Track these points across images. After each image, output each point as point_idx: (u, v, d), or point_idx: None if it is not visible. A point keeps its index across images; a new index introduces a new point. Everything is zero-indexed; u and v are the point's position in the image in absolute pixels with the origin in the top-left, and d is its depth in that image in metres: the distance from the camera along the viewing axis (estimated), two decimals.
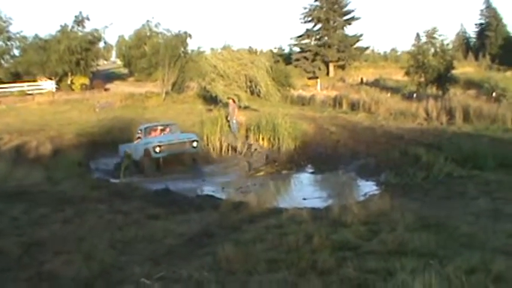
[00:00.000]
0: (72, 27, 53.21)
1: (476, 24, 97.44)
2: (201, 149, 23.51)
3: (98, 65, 59.95)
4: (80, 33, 53.22)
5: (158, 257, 7.49)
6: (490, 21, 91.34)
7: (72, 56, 50.86)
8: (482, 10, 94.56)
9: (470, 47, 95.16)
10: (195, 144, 22.43)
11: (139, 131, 23.69)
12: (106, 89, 53.29)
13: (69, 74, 52.21)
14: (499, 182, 14.01)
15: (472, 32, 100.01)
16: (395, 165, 18.26)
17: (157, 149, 21.53)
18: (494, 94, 32.93)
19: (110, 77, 64.87)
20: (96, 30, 53.90)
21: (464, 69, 65.55)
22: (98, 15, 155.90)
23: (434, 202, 12.06)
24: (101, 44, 57.49)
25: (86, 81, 53.01)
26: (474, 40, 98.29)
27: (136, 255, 7.63)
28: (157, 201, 13.16)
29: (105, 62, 75.76)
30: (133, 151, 22.85)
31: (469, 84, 48.86)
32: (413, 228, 7.56)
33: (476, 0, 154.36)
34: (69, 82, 52.36)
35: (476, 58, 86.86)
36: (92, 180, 18.16)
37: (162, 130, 24.17)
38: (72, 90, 51.26)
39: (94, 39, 53.94)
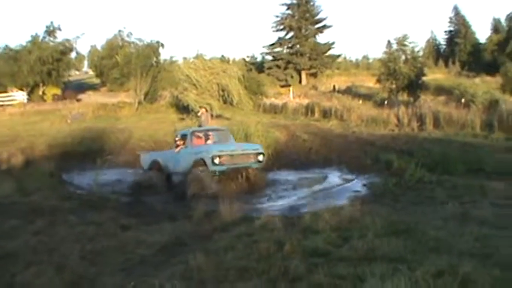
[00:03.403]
0: (44, 37, 52.83)
1: (445, 32, 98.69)
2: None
3: (69, 75, 59.52)
4: (51, 44, 52.83)
5: (130, 267, 7.50)
6: (459, 28, 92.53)
7: (44, 66, 50.45)
8: (451, 18, 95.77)
9: (440, 54, 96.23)
10: (260, 158, 18.28)
11: (181, 136, 19.44)
12: (78, 100, 52.88)
13: (41, 84, 51.78)
14: (468, 186, 14.19)
15: (441, 39, 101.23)
16: (367, 172, 18.47)
17: (217, 160, 17.13)
18: (463, 100, 33.32)
19: (82, 87, 64.51)
20: (68, 40, 53.56)
21: (435, 75, 66.36)
22: (69, 25, 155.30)
23: (405, 207, 12.17)
24: (73, 54, 57.36)
25: (58, 91, 52.62)
26: (444, 47, 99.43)
27: (108, 265, 7.63)
28: (130, 212, 13.13)
29: (77, 72, 75.51)
30: (171, 162, 19.12)
31: (440, 90, 49.46)
32: (383, 234, 7.66)
33: (446, 8, 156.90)
34: (40, 93, 51.90)
35: (446, 65, 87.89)
36: (64, 191, 18.00)
37: (208, 136, 19.99)
38: (44, 101, 50.82)
39: (66, 49, 53.58)
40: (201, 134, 19.78)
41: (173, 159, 18.97)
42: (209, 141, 19.52)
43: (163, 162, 19.51)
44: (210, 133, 20.12)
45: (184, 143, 18.90)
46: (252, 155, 18.21)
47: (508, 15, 79.93)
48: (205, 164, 17.26)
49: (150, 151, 22.45)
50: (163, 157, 19.86)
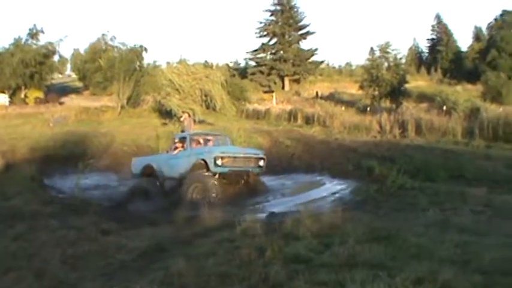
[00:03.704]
0: (26, 40, 52.69)
1: (428, 39, 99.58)
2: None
3: (52, 78, 59.38)
4: (34, 46, 52.71)
5: (110, 272, 7.46)
6: (441, 36, 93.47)
7: (26, 69, 50.27)
8: (433, 26, 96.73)
9: (423, 61, 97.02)
10: (261, 163, 17.89)
11: (180, 139, 19.02)
12: (61, 103, 52.75)
13: (23, 87, 51.59)
14: (449, 193, 14.29)
15: (424, 46, 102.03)
16: (349, 178, 18.54)
17: (219, 161, 16.64)
18: (445, 108, 33.59)
19: (65, 90, 64.33)
20: (51, 43, 53.45)
21: (417, 83, 66.99)
22: (52, 28, 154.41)
23: (386, 214, 12.20)
24: (56, 57, 57.18)
25: (40, 94, 52.47)
26: (426, 54, 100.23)
27: (89, 270, 7.58)
28: (111, 216, 13.06)
29: (60, 76, 75.06)
30: (167, 166, 18.43)
31: (422, 97, 49.97)
32: (365, 240, 7.65)
33: (428, 16, 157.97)
34: (22, 96, 51.71)
35: (429, 72, 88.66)
36: (45, 195, 17.85)
37: (207, 141, 19.34)
38: (26, 104, 50.63)
39: (48, 52, 53.42)
40: (200, 138, 19.29)
41: (169, 163, 18.40)
42: (209, 145, 18.89)
43: (158, 166, 18.78)
44: (209, 137, 19.60)
45: (183, 146, 18.44)
46: (254, 159, 17.91)
47: (489, 24, 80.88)
48: (206, 165, 16.80)
49: (142, 156, 22.05)
50: (157, 161, 19.20)
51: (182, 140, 18.75)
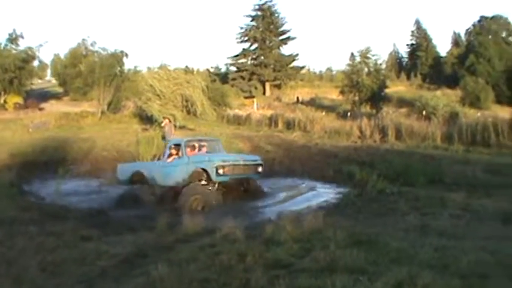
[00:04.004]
0: (6, 45, 52.05)
1: (407, 45, 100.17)
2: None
3: (32, 83, 58.68)
4: (13, 51, 52.08)
5: (90, 279, 7.42)
6: (421, 42, 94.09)
7: (5, 74, 49.70)
8: (413, 31, 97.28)
9: (403, 67, 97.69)
10: (260, 169, 17.91)
11: (174, 145, 18.28)
12: (41, 109, 52.25)
13: (2, 92, 51.02)
14: (429, 197, 14.42)
15: (404, 52, 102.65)
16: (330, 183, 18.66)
17: (221, 171, 16.43)
18: (424, 113, 33.84)
19: (45, 96, 63.73)
20: (31, 48, 52.84)
21: (397, 88, 67.43)
22: (32, 33, 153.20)
23: (367, 219, 12.28)
24: (36, 63, 56.53)
25: (20, 100, 51.86)
26: (406, 60, 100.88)
27: (68, 277, 7.53)
28: (91, 222, 12.97)
29: (40, 81, 74.48)
30: (160, 173, 17.88)
31: (402, 102, 50.26)
32: (345, 245, 7.69)
33: (408, 22, 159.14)
34: (2, 101, 51.11)
35: (408, 77, 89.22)
36: (24, 202, 17.69)
37: (202, 147, 18.76)
38: (5, 109, 50.04)
39: (28, 57, 52.83)
40: (195, 144, 18.64)
41: (164, 171, 17.82)
42: (202, 151, 18.49)
43: (149, 174, 18.27)
44: (203, 143, 19.09)
45: (177, 153, 17.91)
46: (252, 166, 17.76)
47: (468, 29, 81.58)
48: (207, 174, 16.60)
49: (127, 162, 21.78)
50: (148, 168, 18.71)
51: (176, 146, 18.18)
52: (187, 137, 20.58)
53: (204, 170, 16.69)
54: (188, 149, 17.91)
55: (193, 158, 17.40)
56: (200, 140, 19.52)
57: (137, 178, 18.53)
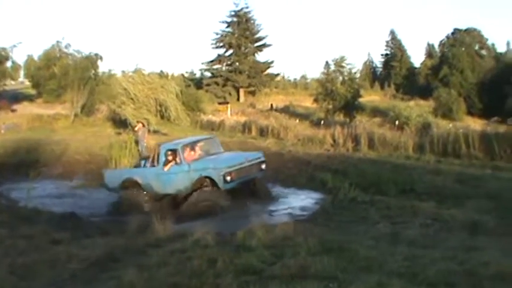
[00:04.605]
0: None
1: (382, 55, 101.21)
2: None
3: (5, 84, 57.96)
4: None
5: (60, 282, 7.38)
6: (395, 52, 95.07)
7: None
8: (387, 41, 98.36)
9: (377, 76, 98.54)
10: (263, 166, 17.41)
11: (169, 151, 17.18)
12: (13, 110, 51.71)
13: None
14: (400, 207, 14.53)
15: (378, 61, 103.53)
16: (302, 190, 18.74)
17: (228, 178, 15.53)
18: (397, 122, 34.11)
19: (18, 97, 63.14)
20: (4, 49, 52.12)
21: (371, 97, 67.94)
22: (5, 33, 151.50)
23: (338, 226, 12.35)
24: (9, 64, 55.78)
25: None
26: (380, 70, 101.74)
27: (38, 280, 7.48)
28: (62, 226, 12.88)
29: (13, 82, 73.55)
30: (157, 181, 17.15)
31: (375, 112, 50.62)
32: (316, 253, 7.72)
33: (383, 32, 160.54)
34: None
35: (382, 87, 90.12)
36: None
37: (198, 148, 17.64)
38: None
39: (1, 58, 52.17)
40: (191, 147, 17.54)
41: (162, 179, 17.04)
42: (199, 153, 17.45)
43: (145, 181, 17.45)
44: (198, 144, 17.90)
45: (174, 159, 16.95)
46: (256, 164, 17.07)
47: (441, 41, 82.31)
48: (212, 182, 15.82)
49: (116, 168, 21.34)
50: (143, 175, 17.78)
51: (172, 152, 17.15)
52: (180, 140, 19.46)
53: (208, 177, 15.91)
54: (185, 154, 16.97)
55: (195, 165, 16.47)
56: (196, 141, 18.21)
57: (129, 185, 17.78)
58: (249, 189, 16.95)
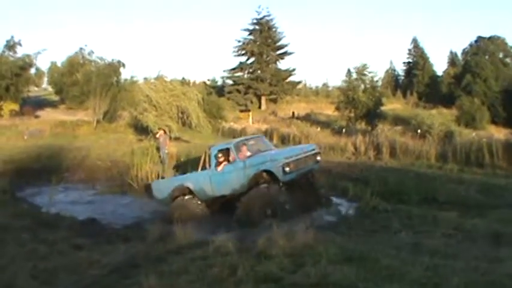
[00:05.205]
0: (3, 51, 51.95)
1: (404, 63, 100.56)
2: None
3: (28, 91, 58.50)
4: (11, 59, 51.97)
5: None
6: (418, 60, 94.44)
7: (2, 81, 49.57)
8: (410, 49, 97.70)
9: (399, 85, 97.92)
10: (318, 158, 16.99)
11: (221, 151, 16.89)
12: (36, 116, 52.16)
13: None
14: (422, 216, 14.43)
15: (400, 70, 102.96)
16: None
17: (288, 169, 14.96)
18: (419, 131, 33.87)
19: (41, 103, 63.68)
20: (28, 55, 52.68)
21: (393, 105, 67.58)
22: (30, 40, 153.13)
23: (359, 235, 12.28)
24: (33, 70, 56.28)
25: (16, 107, 51.76)
26: (402, 78, 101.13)
27: (59, 285, 7.52)
28: (84, 232, 12.95)
29: (36, 89, 74.24)
30: (210, 184, 16.70)
31: (397, 120, 50.28)
32: (336, 261, 7.67)
33: (405, 40, 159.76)
34: None
35: (404, 95, 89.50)
36: (16, 209, 17.59)
37: (248, 147, 17.00)
38: (1, 116, 49.89)
39: (25, 64, 52.67)
40: (243, 145, 17.03)
41: (215, 180, 16.58)
42: (251, 151, 16.82)
43: (196, 186, 17.00)
44: (249, 142, 17.48)
45: (226, 159, 16.65)
46: (311, 155, 16.64)
47: (464, 49, 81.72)
48: (270, 175, 15.32)
49: (162, 178, 20.89)
50: (194, 181, 17.27)
51: (224, 152, 16.85)
52: (231, 140, 19.41)
53: (267, 171, 15.42)
54: (239, 152, 16.56)
55: (250, 161, 16.03)
56: (246, 140, 17.87)
57: (179, 193, 17.34)
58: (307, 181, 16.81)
